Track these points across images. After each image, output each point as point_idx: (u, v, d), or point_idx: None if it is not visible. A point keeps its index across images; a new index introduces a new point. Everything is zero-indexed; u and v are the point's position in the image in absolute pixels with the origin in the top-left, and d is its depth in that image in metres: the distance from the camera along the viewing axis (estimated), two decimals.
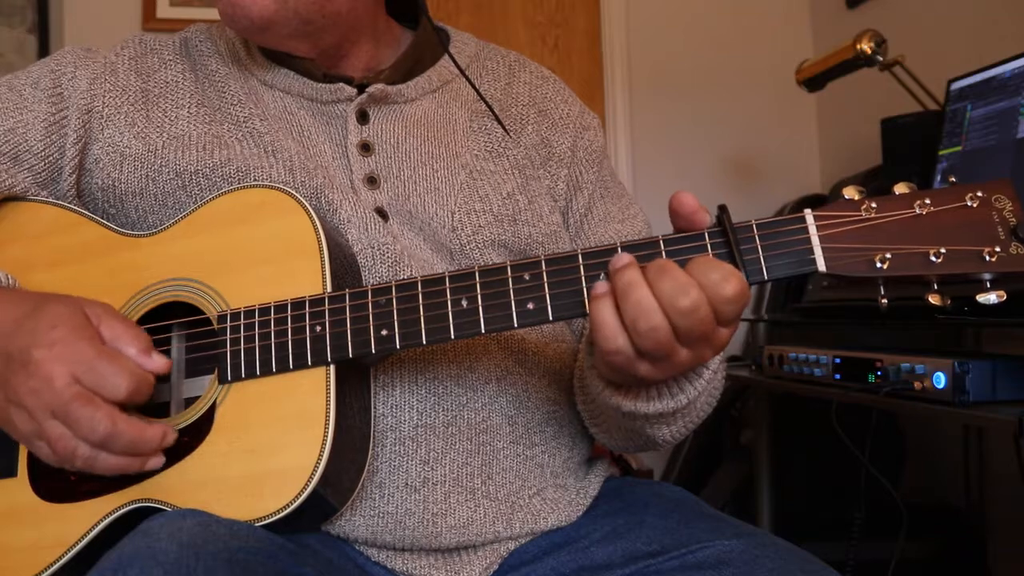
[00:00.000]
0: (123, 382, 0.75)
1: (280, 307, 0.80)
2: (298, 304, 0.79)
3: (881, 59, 1.95)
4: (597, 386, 0.82)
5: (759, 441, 2.07)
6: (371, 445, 0.83)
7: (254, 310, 0.80)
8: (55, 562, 0.79)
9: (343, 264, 0.83)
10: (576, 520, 0.91)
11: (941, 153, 1.65)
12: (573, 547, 0.88)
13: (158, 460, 0.78)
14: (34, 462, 0.82)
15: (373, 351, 0.77)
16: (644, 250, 0.73)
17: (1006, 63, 1.54)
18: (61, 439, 0.74)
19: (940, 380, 1.24)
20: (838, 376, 1.48)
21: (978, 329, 1.72)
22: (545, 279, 0.74)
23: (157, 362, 0.78)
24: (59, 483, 0.81)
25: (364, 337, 0.77)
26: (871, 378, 1.38)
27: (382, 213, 0.91)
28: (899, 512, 1.50)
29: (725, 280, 0.68)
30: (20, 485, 0.82)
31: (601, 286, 0.72)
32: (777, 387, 1.78)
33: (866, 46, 1.94)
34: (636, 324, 0.69)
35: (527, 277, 0.75)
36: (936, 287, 0.72)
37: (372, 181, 0.93)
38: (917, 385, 1.28)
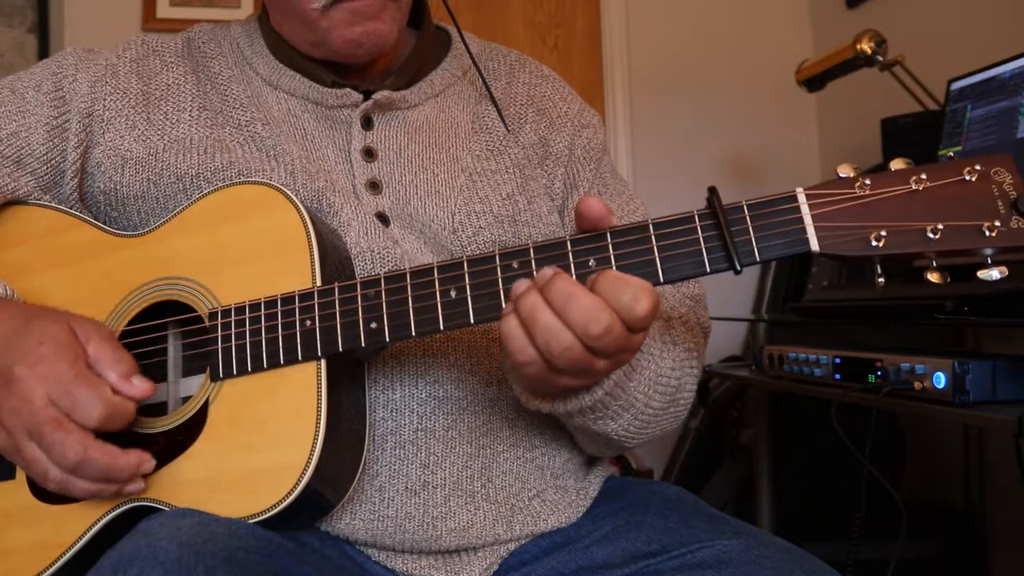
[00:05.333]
0: (95, 409, 0.73)
1: (270, 303, 0.79)
2: (287, 299, 0.79)
3: (881, 59, 1.95)
4: (520, 396, 0.81)
5: (759, 441, 2.07)
6: (367, 440, 0.83)
7: (244, 307, 0.80)
8: (54, 563, 0.79)
9: (334, 257, 0.83)
10: (576, 520, 0.91)
11: (941, 153, 1.65)
12: (573, 547, 0.88)
13: (136, 486, 0.77)
14: None
15: (363, 344, 0.77)
16: (633, 235, 0.72)
17: (1006, 63, 1.53)
18: (34, 461, 0.74)
19: (940, 380, 1.24)
20: (838, 376, 1.48)
21: (978, 329, 1.72)
22: (534, 266, 0.73)
23: (138, 388, 0.77)
24: None
25: (354, 331, 0.77)
26: (871, 378, 1.38)
27: (383, 218, 0.91)
28: (899, 512, 1.49)
29: (636, 300, 0.67)
30: (18, 487, 0.82)
31: (510, 306, 0.71)
32: (777, 387, 1.78)
33: (866, 46, 1.94)
34: (549, 347, 0.68)
35: (515, 265, 0.74)
36: (935, 264, 0.70)
37: (374, 186, 0.93)
38: (917, 385, 1.27)
